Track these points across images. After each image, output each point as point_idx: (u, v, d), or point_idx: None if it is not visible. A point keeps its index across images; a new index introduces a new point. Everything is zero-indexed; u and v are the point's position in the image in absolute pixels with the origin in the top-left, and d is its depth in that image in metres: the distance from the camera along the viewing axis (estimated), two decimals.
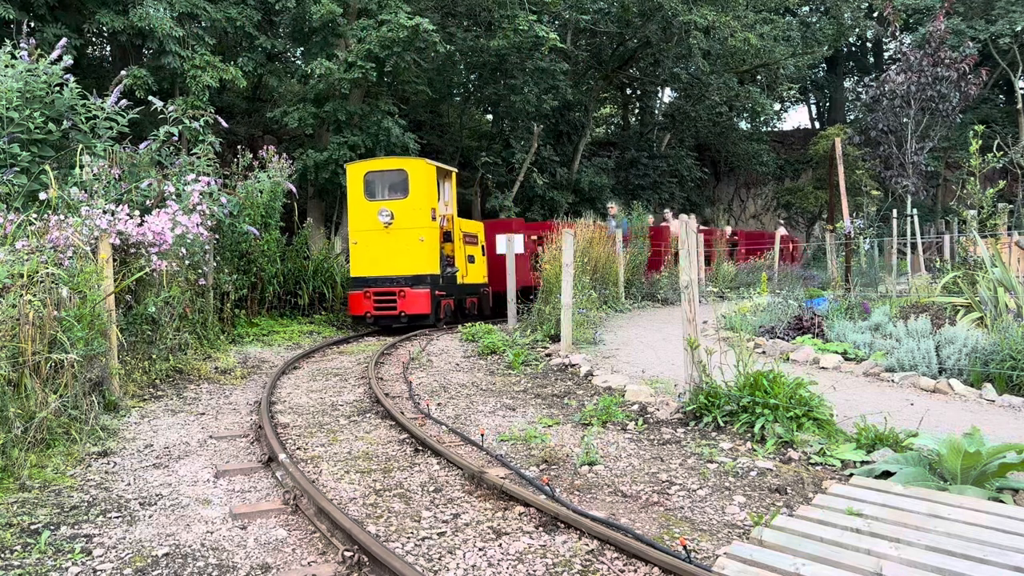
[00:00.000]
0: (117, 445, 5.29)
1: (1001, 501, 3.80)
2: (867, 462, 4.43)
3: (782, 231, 23.72)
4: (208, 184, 9.17)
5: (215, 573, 3.29)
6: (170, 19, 12.91)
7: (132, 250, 7.03)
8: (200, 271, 9.05)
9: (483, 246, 14.30)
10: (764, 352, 7.95)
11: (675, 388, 6.35)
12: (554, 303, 9.93)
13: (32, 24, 12.84)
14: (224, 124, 10.61)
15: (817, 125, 36.89)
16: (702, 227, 18.72)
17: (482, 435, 5.25)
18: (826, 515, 3.58)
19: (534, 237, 14.43)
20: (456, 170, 13.61)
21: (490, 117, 25.00)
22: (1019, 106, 26.87)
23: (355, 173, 12.35)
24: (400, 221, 11.80)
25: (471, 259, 13.63)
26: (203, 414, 6.26)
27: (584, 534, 3.54)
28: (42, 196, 6.88)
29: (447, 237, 12.67)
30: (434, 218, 11.97)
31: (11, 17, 11.54)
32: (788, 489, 4.13)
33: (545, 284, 10.62)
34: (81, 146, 7.91)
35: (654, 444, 5.06)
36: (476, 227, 14.25)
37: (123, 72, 10.63)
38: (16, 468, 4.50)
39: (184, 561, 3.41)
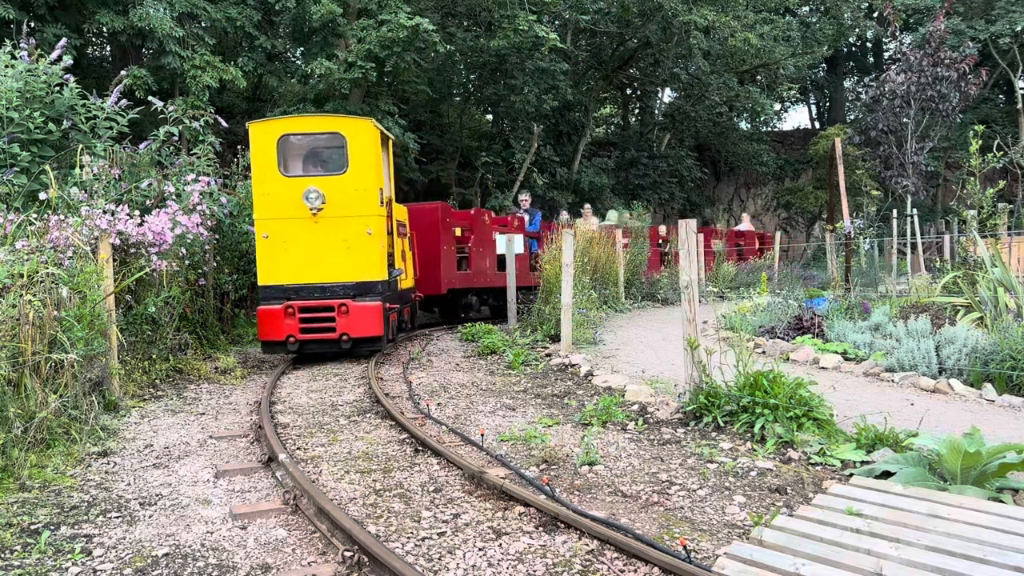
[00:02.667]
0: (117, 445, 5.29)
1: (1001, 501, 3.80)
2: (867, 462, 4.43)
3: (744, 225, 22.46)
4: (208, 184, 9.17)
5: (215, 573, 3.29)
6: (170, 19, 12.90)
7: (132, 250, 7.03)
8: (200, 271, 9.05)
9: (411, 238, 11.02)
10: (764, 352, 7.95)
11: (675, 388, 6.35)
12: (554, 303, 9.93)
13: (32, 24, 12.83)
14: (224, 124, 10.61)
15: (817, 125, 36.89)
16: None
17: (482, 435, 5.25)
18: (826, 515, 3.58)
19: (458, 230, 12.20)
20: (392, 137, 10.12)
21: (490, 117, 24.99)
22: (1019, 106, 26.87)
23: (263, 136, 8.29)
24: (336, 206, 8.29)
25: (403, 256, 10.48)
26: (203, 414, 6.26)
27: (584, 534, 3.54)
28: (42, 196, 6.88)
29: (391, 229, 9.35)
30: (382, 203, 8.86)
31: (11, 17, 11.54)
32: (788, 489, 4.13)
33: (545, 284, 10.61)
34: (81, 146, 7.91)
35: (654, 444, 5.06)
36: (403, 213, 10.77)
37: (123, 72, 10.63)
38: (16, 468, 4.50)
39: (184, 561, 3.41)
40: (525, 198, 14.41)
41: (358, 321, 8.23)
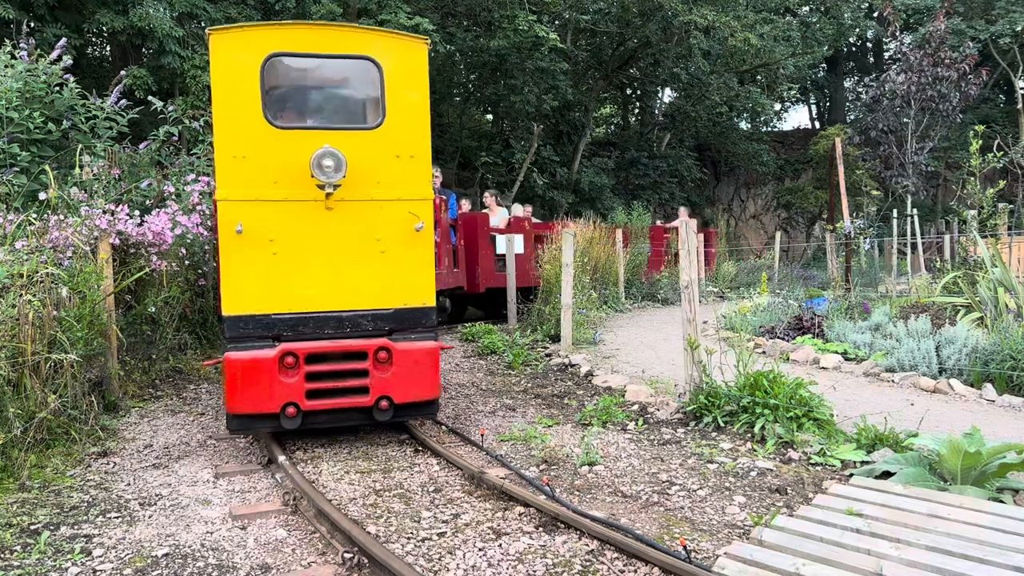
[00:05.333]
0: (117, 445, 5.29)
1: (1001, 501, 3.80)
2: (867, 462, 4.43)
3: (681, 220, 19.30)
4: (208, 184, 9.16)
5: (215, 573, 3.29)
6: (170, 19, 12.90)
7: (132, 250, 7.02)
8: (200, 271, 9.04)
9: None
10: (764, 352, 7.94)
11: (675, 388, 6.35)
12: (554, 303, 9.92)
13: (32, 24, 12.84)
14: None
15: (817, 125, 36.89)
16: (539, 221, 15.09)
17: (482, 435, 5.24)
18: (826, 515, 3.58)
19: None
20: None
21: (490, 117, 25.00)
22: (1019, 106, 26.87)
23: (237, 53, 4.84)
24: (364, 182, 4.97)
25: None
26: (203, 414, 6.25)
27: (584, 534, 3.53)
28: (42, 196, 6.88)
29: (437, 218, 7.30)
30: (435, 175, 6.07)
31: (11, 17, 11.54)
32: (788, 489, 4.13)
33: (545, 284, 10.61)
34: (81, 146, 7.90)
35: (654, 444, 5.06)
36: None
37: (123, 72, 10.62)
38: (16, 468, 4.50)
39: (184, 561, 3.41)
40: (437, 175, 10.15)
41: (405, 376, 4.91)
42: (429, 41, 5.25)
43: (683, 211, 18.57)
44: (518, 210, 14.47)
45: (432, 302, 5.09)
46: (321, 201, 4.81)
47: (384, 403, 4.88)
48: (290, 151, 4.79)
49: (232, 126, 4.78)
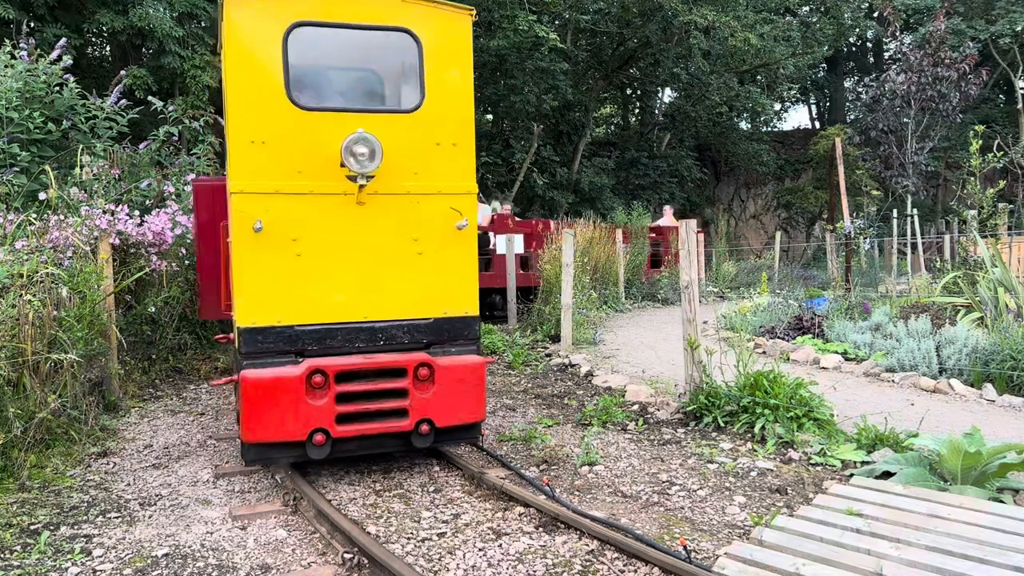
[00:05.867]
0: (117, 445, 5.29)
1: (1001, 501, 3.80)
2: (867, 462, 4.43)
3: (665, 220, 17.47)
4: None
5: (215, 574, 3.29)
6: (170, 19, 12.90)
7: (132, 250, 7.02)
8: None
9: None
10: (764, 352, 7.94)
11: (675, 388, 6.35)
12: (554, 303, 9.92)
13: (32, 24, 12.84)
14: (224, 124, 10.60)
15: (817, 125, 36.89)
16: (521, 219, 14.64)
17: (482, 435, 5.24)
18: (826, 515, 3.58)
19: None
20: None
21: (490, 117, 25.00)
22: (1019, 106, 26.87)
23: (257, 20, 4.20)
24: (399, 172, 4.41)
25: None
26: (203, 414, 6.25)
27: (584, 534, 3.53)
28: (41, 196, 6.88)
29: None
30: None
31: (11, 17, 11.54)
32: (788, 489, 4.12)
33: (545, 284, 10.61)
34: (81, 146, 7.90)
35: (654, 444, 5.06)
36: None
37: (123, 72, 10.63)
38: (16, 468, 4.50)
39: (184, 562, 3.41)
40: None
41: (448, 396, 4.34)
42: (474, 13, 4.58)
43: (667, 209, 18.42)
44: (498, 207, 14.43)
45: (475, 310, 4.53)
46: (352, 194, 4.23)
47: (425, 427, 4.28)
48: (316, 136, 4.20)
49: (250, 107, 4.11)
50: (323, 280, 4.22)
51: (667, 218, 18.12)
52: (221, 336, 5.98)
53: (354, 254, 4.27)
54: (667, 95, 30.73)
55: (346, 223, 4.25)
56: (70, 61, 8.52)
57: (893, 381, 6.58)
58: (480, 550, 3.42)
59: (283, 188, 4.15)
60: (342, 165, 4.14)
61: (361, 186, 4.15)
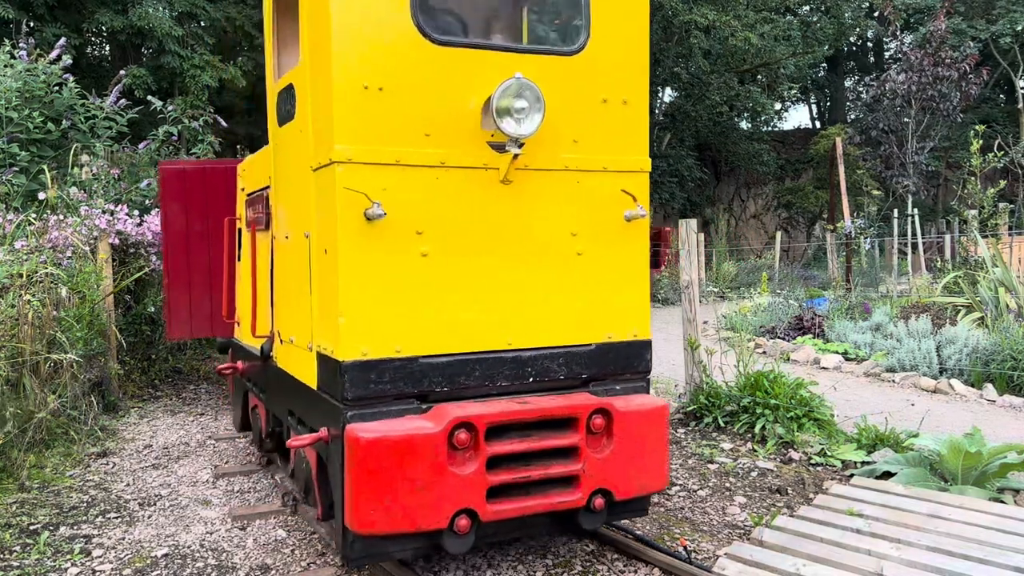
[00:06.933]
0: (116, 445, 5.28)
1: (1002, 501, 3.80)
2: (868, 462, 4.42)
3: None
4: None
5: (214, 574, 3.28)
6: (169, 19, 12.90)
7: (131, 250, 7.02)
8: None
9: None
10: (765, 352, 7.94)
11: (675, 388, 6.35)
12: None
13: (31, 24, 12.83)
14: (223, 124, 10.60)
15: (818, 125, 36.89)
16: None
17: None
18: (827, 515, 3.58)
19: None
20: None
21: None
22: (1020, 106, 26.87)
23: None
24: (556, 139, 3.11)
25: None
26: (202, 414, 6.25)
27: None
28: (41, 196, 6.88)
29: None
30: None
31: (11, 17, 11.54)
32: (789, 489, 4.12)
33: None
34: (80, 146, 7.90)
35: None
36: None
37: (122, 72, 10.62)
38: (15, 468, 4.50)
39: (183, 562, 3.40)
40: None
41: (630, 455, 3.16)
42: None
43: None
44: None
45: (647, 333, 3.36)
46: (494, 169, 3.00)
47: (599, 500, 3.03)
48: (452, 83, 2.95)
49: (361, 34, 2.83)
50: (456, 291, 2.95)
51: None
52: (226, 367, 4.58)
53: (496, 254, 3.02)
54: (667, 95, 30.73)
55: (486, 210, 3.00)
56: (69, 61, 8.52)
57: (893, 381, 6.57)
58: (480, 550, 3.42)
59: (406, 157, 2.87)
60: (487, 126, 2.96)
61: (516, 155, 2.92)
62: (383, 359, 2.83)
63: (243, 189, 4.58)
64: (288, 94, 3.34)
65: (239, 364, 4.49)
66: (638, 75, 3.28)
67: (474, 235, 2.99)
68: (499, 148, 2.97)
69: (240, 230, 4.67)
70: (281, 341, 3.56)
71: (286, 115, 3.39)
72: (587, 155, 3.17)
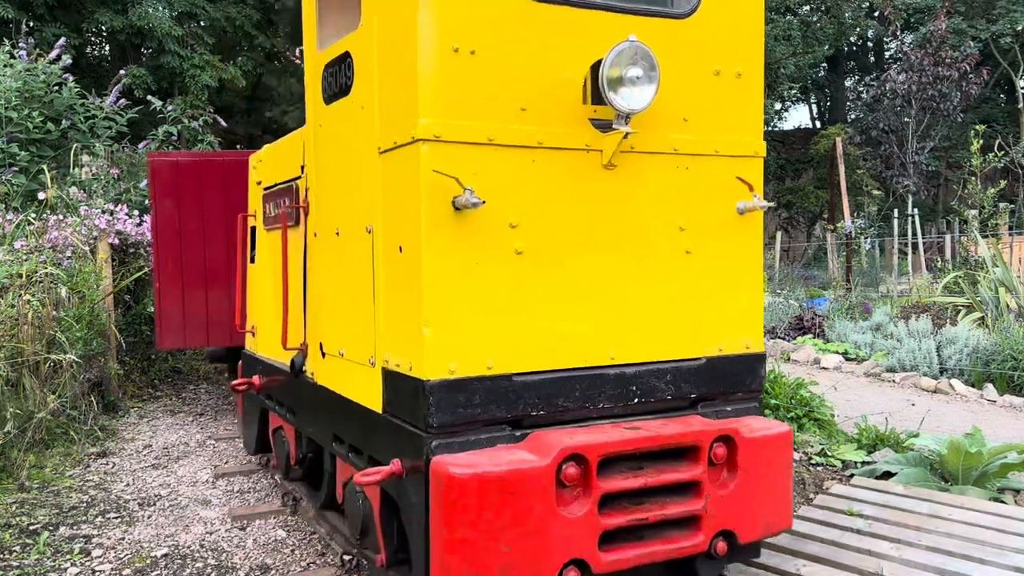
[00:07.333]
0: (116, 445, 5.28)
1: (1002, 502, 3.80)
2: (868, 462, 4.42)
3: None
4: None
5: (214, 574, 3.28)
6: (169, 18, 12.91)
7: (131, 250, 7.02)
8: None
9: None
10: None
11: None
12: None
13: (31, 24, 12.84)
14: (223, 124, 10.60)
15: (818, 124, 36.89)
16: None
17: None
18: (827, 515, 3.58)
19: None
20: None
21: None
22: (1020, 106, 26.87)
23: None
24: (662, 118, 2.67)
25: None
26: (202, 415, 6.25)
27: None
28: (41, 196, 6.88)
29: None
30: None
31: (10, 17, 11.54)
32: None
33: None
34: (80, 146, 7.90)
35: None
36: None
37: (122, 71, 10.62)
38: (15, 468, 4.50)
39: (183, 562, 3.40)
40: None
41: (755, 489, 2.68)
42: None
43: None
44: None
45: (761, 344, 2.97)
46: (596, 152, 2.60)
47: (721, 544, 2.61)
48: (553, 47, 2.53)
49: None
50: (553, 295, 2.55)
51: None
52: (241, 383, 4.09)
53: (596, 251, 2.62)
54: None
55: (586, 200, 2.60)
56: (69, 60, 8.52)
57: (894, 381, 6.57)
58: None
59: (500, 136, 2.46)
60: (591, 100, 2.56)
61: (627, 134, 2.50)
62: (473, 377, 2.41)
63: (259, 182, 4.13)
64: (341, 65, 2.88)
65: (255, 379, 4.03)
66: (753, 43, 2.88)
67: (573, 229, 2.58)
68: (603, 127, 2.56)
69: (254, 228, 4.27)
70: (323, 354, 3.09)
71: (338, 90, 2.92)
72: (698, 136, 2.77)
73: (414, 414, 2.40)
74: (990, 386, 6.12)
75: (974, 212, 9.30)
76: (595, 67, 2.48)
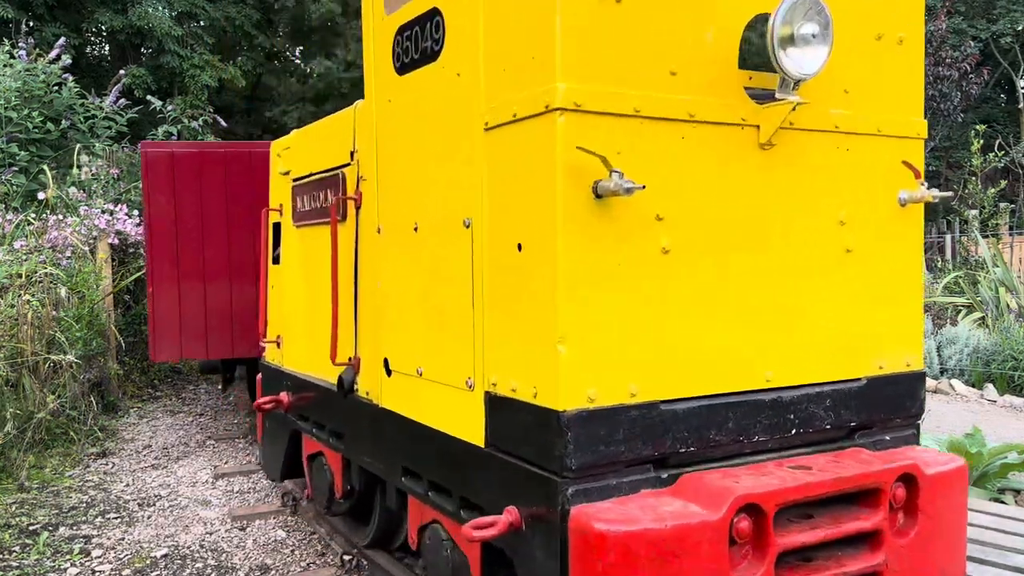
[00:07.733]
0: (116, 446, 5.28)
1: (1002, 502, 3.79)
2: None
3: None
4: None
5: (214, 574, 3.28)
6: (169, 18, 12.91)
7: (131, 250, 7.01)
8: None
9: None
10: None
11: None
12: None
13: (31, 23, 12.83)
14: (223, 123, 10.60)
15: None
16: None
17: None
18: None
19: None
20: None
21: None
22: (1020, 105, 26.88)
23: None
24: (820, 88, 2.18)
25: None
26: (202, 415, 6.24)
27: None
28: (40, 196, 6.88)
29: None
30: None
31: (10, 17, 11.53)
32: None
33: None
34: (80, 146, 7.90)
35: None
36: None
37: (122, 71, 10.62)
38: (15, 469, 4.50)
39: (183, 562, 3.40)
40: None
41: (936, 539, 2.22)
42: None
43: None
44: None
45: (921, 362, 2.54)
46: (751, 128, 2.14)
47: None
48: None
49: None
50: (704, 304, 2.09)
51: None
52: (267, 401, 3.63)
53: (750, 250, 2.16)
54: None
55: (739, 186, 2.14)
56: (69, 60, 8.52)
57: None
58: None
59: (648, 106, 1.98)
60: (750, 64, 2.23)
61: (796, 105, 2.06)
62: (616, 407, 1.93)
63: (286, 172, 3.67)
64: (426, 25, 2.40)
65: (283, 396, 3.55)
66: (916, 4, 2.44)
67: (723, 223, 2.10)
68: (762, 98, 2.12)
69: (277, 225, 3.80)
70: (388, 372, 2.64)
71: (419, 56, 2.44)
72: (859, 112, 2.31)
73: (541, 452, 1.93)
74: (990, 386, 6.12)
75: (974, 212, 9.30)
76: (752, 24, 2.09)
